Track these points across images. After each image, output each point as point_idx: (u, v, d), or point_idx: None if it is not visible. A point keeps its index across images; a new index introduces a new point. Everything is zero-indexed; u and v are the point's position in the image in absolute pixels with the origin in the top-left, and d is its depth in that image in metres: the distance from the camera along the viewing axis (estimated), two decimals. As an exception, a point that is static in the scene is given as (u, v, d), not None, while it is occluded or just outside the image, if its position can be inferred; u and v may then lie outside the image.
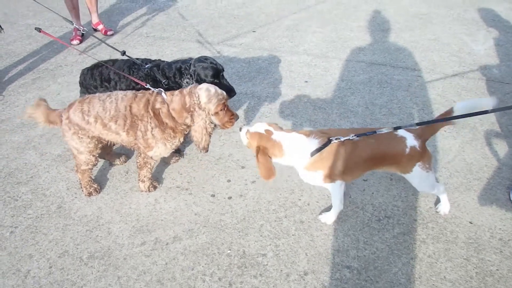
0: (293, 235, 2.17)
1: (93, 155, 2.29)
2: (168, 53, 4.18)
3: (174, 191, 2.47)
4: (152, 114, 2.12)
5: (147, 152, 2.24)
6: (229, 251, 2.09)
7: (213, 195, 2.44)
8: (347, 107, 3.24)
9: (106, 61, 2.62)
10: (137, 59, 2.59)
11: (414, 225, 2.20)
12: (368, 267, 1.99)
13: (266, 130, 1.96)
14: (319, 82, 3.59)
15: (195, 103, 2.07)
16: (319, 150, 1.90)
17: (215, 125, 2.25)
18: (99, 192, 2.46)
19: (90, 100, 2.16)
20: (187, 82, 2.51)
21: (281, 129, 2.00)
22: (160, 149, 2.22)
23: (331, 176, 1.97)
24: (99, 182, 2.53)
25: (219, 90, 2.11)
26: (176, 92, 2.15)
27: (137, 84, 2.45)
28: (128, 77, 2.46)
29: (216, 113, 2.12)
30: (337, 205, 2.15)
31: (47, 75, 3.80)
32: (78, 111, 2.14)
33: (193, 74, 2.48)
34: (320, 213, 2.25)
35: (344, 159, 1.92)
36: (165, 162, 2.68)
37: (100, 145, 2.29)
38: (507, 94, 3.36)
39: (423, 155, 1.95)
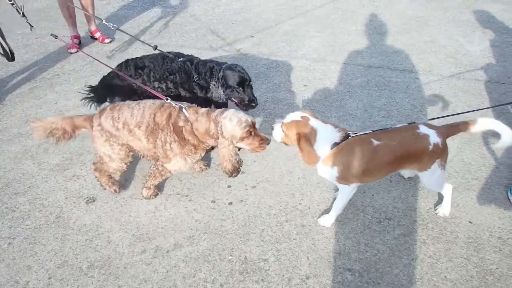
0: (294, 239, 2.16)
1: (125, 163, 2.29)
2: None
3: (174, 198, 2.46)
4: (172, 128, 2.11)
5: (165, 164, 2.22)
6: (230, 257, 2.08)
7: (213, 201, 2.43)
8: (346, 110, 3.25)
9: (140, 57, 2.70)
10: (169, 52, 2.66)
11: (415, 226, 2.20)
12: (370, 269, 1.98)
13: (302, 117, 1.95)
14: (318, 86, 3.60)
15: (218, 132, 2.06)
16: (337, 144, 1.91)
17: (239, 149, 2.23)
18: (119, 193, 2.49)
19: (121, 107, 2.18)
20: (214, 85, 2.55)
21: (315, 116, 2.00)
22: (179, 163, 2.19)
23: (346, 177, 1.97)
24: (98, 190, 2.52)
25: (244, 118, 2.05)
26: (202, 111, 2.11)
27: (172, 74, 2.53)
28: (150, 91, 2.40)
29: (242, 140, 2.08)
30: (338, 209, 2.15)
31: (44, 84, 3.80)
32: (109, 118, 2.15)
33: (220, 78, 2.52)
34: (319, 216, 2.24)
35: (363, 161, 1.92)
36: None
37: (131, 153, 2.29)
38: (503, 94, 3.37)
39: (444, 153, 1.97)
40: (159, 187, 2.54)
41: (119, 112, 2.16)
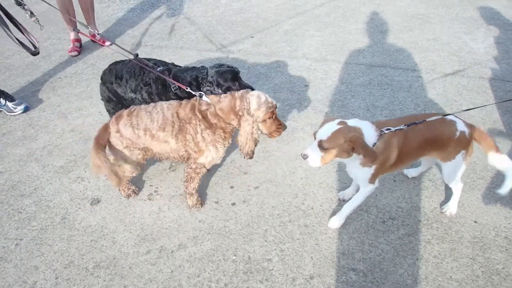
0: (297, 239, 2.16)
1: (139, 165, 2.31)
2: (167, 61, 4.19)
3: (177, 199, 2.47)
4: (200, 116, 2.12)
5: (199, 159, 2.21)
6: (234, 257, 2.09)
7: (216, 202, 2.44)
8: (348, 110, 3.24)
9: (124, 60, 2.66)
10: (149, 60, 2.60)
11: (419, 226, 2.19)
12: (374, 269, 1.98)
13: (340, 122, 1.80)
14: (319, 86, 3.60)
15: (244, 108, 2.06)
16: (374, 144, 1.80)
17: (261, 133, 2.22)
18: (137, 194, 2.50)
19: (138, 112, 2.16)
20: (207, 90, 2.51)
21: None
22: (212, 152, 2.19)
23: (379, 173, 1.96)
24: (102, 191, 2.54)
25: (270, 99, 2.08)
26: (226, 94, 2.16)
27: (146, 85, 2.48)
28: (174, 83, 2.41)
29: (264, 121, 2.09)
30: (348, 211, 2.13)
31: (46, 87, 3.82)
32: (128, 125, 2.14)
33: (212, 81, 2.49)
34: (329, 218, 2.22)
35: (397, 151, 1.90)
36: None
37: (146, 157, 2.30)
38: (509, 92, 3.35)
39: (469, 144, 1.97)
40: (162, 189, 2.55)
41: (137, 118, 2.14)
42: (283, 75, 3.81)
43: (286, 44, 4.42)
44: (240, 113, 2.07)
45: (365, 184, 2.01)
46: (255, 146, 2.14)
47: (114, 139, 2.18)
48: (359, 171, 1.94)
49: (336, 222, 2.18)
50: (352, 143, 1.71)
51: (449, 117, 1.97)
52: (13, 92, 3.68)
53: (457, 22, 4.69)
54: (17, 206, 2.49)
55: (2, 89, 3.47)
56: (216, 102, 2.11)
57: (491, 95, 3.32)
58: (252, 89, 2.36)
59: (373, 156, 1.72)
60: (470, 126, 1.99)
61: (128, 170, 2.29)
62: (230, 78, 2.47)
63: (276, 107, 2.11)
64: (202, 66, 2.58)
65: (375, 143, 1.80)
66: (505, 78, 3.55)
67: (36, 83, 3.90)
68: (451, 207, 2.22)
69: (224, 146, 2.22)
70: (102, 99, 2.76)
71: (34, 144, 3.04)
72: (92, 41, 4.65)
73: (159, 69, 2.50)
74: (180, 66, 2.63)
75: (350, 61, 4.00)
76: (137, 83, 2.54)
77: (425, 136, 1.93)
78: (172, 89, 2.48)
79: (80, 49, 4.46)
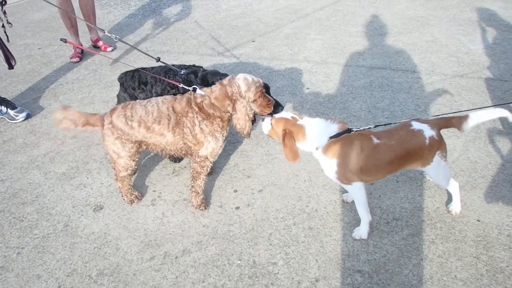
0: (302, 242, 2.16)
1: (133, 160, 2.30)
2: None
3: (181, 204, 2.46)
4: (197, 109, 2.16)
5: (200, 152, 2.24)
6: (239, 262, 2.08)
7: (220, 206, 2.43)
8: (349, 112, 3.25)
9: (144, 68, 2.70)
10: (173, 65, 2.65)
11: (423, 226, 2.19)
12: (379, 270, 1.98)
13: (292, 117, 2.08)
14: (321, 89, 3.61)
15: (236, 92, 2.12)
16: (339, 135, 1.97)
17: (254, 112, 2.28)
18: (140, 199, 2.50)
19: (133, 105, 2.20)
20: None
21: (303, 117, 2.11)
22: (211, 143, 2.21)
23: (346, 173, 1.99)
24: (105, 198, 2.53)
25: (256, 78, 2.17)
26: (215, 84, 2.20)
27: (173, 88, 2.51)
28: (165, 80, 2.50)
29: (255, 100, 2.17)
30: (363, 215, 2.11)
31: (48, 93, 3.83)
32: (122, 116, 2.17)
33: None
34: (353, 232, 2.19)
35: (362, 157, 1.95)
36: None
37: (140, 150, 2.31)
38: (507, 92, 3.37)
39: (441, 143, 2.01)
40: (166, 194, 2.54)
41: (132, 110, 2.18)
42: (285, 78, 3.82)
43: (287, 48, 4.44)
44: (234, 97, 2.13)
45: (338, 182, 2.08)
46: (251, 124, 2.23)
47: (107, 131, 2.20)
48: (323, 160, 2.07)
49: (360, 233, 2.15)
50: (283, 133, 2.04)
51: (415, 126, 1.99)
52: (14, 99, 3.68)
53: (454, 23, 4.73)
54: (19, 214, 2.47)
55: (3, 96, 3.48)
56: (210, 93, 2.16)
57: (490, 95, 3.34)
58: (282, 107, 2.42)
59: (290, 153, 2.02)
60: (434, 125, 2.00)
61: (121, 167, 2.29)
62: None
63: (263, 86, 2.19)
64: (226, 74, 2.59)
65: (330, 138, 1.98)
66: (503, 78, 3.57)
67: (38, 89, 3.91)
68: (455, 206, 2.22)
69: (223, 136, 2.26)
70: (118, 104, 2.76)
71: (35, 151, 3.03)
72: (94, 46, 4.66)
73: (182, 71, 2.53)
74: (206, 69, 2.65)
75: (351, 63, 4.02)
76: (163, 86, 2.57)
77: (398, 152, 1.96)
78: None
79: (81, 55, 4.48)
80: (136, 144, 2.24)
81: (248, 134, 2.24)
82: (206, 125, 2.17)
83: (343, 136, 1.97)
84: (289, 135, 2.02)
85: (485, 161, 2.61)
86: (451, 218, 2.22)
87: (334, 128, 2.00)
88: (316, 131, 2.02)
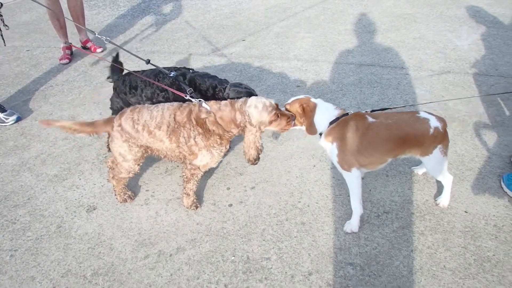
0: (295, 237, 2.19)
1: (138, 164, 2.32)
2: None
3: (174, 203, 2.48)
4: (194, 122, 2.14)
5: (193, 161, 2.24)
6: (233, 258, 2.10)
7: (213, 204, 2.45)
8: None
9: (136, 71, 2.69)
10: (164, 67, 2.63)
11: (412, 218, 2.24)
12: (371, 263, 2.02)
13: (305, 96, 2.19)
14: (311, 86, 3.65)
15: (246, 121, 2.09)
16: (336, 119, 2.07)
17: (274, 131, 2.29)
18: (133, 199, 2.50)
19: (140, 109, 2.21)
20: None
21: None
22: (206, 157, 2.21)
23: (345, 155, 2.04)
24: (98, 198, 2.53)
25: (268, 102, 2.10)
26: (224, 102, 2.16)
27: (162, 91, 2.51)
28: (159, 85, 2.49)
29: (271, 123, 2.14)
30: (356, 207, 2.15)
31: (38, 96, 3.80)
32: (129, 119, 2.18)
33: (227, 98, 2.45)
34: (344, 225, 2.23)
35: (357, 136, 2.01)
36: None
37: (146, 155, 2.32)
38: (492, 86, 3.44)
39: (445, 138, 2.05)
40: (158, 193, 2.55)
41: (139, 114, 2.19)
42: (275, 76, 3.85)
43: (277, 46, 4.47)
44: (242, 124, 2.11)
45: (340, 169, 2.13)
46: (259, 154, 2.20)
47: (116, 133, 2.21)
48: (326, 146, 2.15)
49: (350, 226, 2.18)
50: (301, 108, 2.12)
51: (422, 114, 2.04)
52: (4, 102, 3.65)
53: (441, 20, 4.81)
54: (11, 216, 2.46)
55: None
56: (216, 110, 2.13)
57: (476, 89, 3.41)
58: (256, 95, 2.38)
59: (311, 127, 2.11)
60: (442, 120, 2.05)
61: (124, 169, 2.30)
62: None
63: (277, 106, 2.14)
64: (225, 79, 2.57)
65: (332, 122, 2.09)
66: (489, 72, 3.65)
67: (27, 92, 3.88)
68: (444, 199, 2.27)
69: (221, 151, 2.23)
70: (111, 108, 2.76)
71: (26, 153, 3.02)
72: (83, 48, 4.63)
73: (172, 73, 2.52)
74: (196, 71, 2.63)
75: (340, 61, 4.07)
76: (152, 90, 2.56)
77: (394, 132, 1.99)
78: (188, 93, 2.50)
79: (71, 56, 4.45)
80: (142, 148, 2.25)
81: (250, 161, 2.19)
82: (201, 139, 2.15)
83: (340, 120, 2.05)
84: (308, 108, 2.11)
85: (472, 154, 2.67)
86: (439, 210, 2.28)
87: (334, 113, 2.10)
88: (321, 116, 2.11)
